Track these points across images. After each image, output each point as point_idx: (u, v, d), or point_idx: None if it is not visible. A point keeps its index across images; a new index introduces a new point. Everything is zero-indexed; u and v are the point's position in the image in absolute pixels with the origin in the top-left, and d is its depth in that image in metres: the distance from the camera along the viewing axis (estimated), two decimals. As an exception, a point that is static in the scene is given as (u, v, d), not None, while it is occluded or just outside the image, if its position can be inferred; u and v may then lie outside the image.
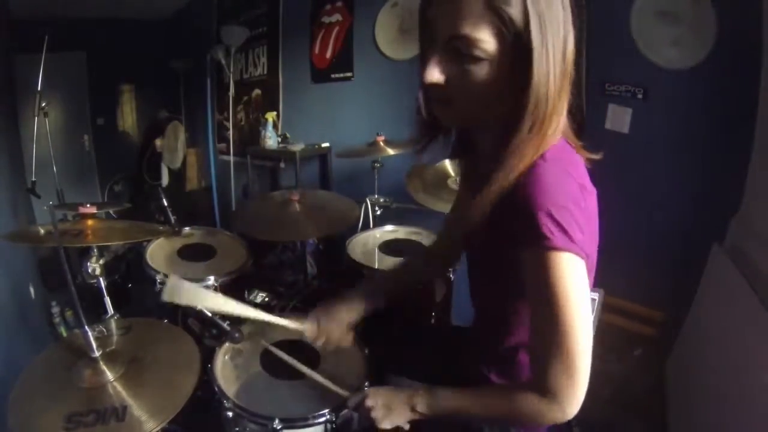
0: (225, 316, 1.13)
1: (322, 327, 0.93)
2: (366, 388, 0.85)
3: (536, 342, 0.64)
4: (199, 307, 0.86)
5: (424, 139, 0.80)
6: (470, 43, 0.59)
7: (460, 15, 0.59)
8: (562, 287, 0.59)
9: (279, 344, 1.18)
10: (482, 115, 0.68)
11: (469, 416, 0.73)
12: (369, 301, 0.99)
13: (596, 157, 0.73)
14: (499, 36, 0.58)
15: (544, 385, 0.61)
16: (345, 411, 0.92)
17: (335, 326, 0.94)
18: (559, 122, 0.65)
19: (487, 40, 0.59)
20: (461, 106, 0.67)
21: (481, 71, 0.61)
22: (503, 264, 0.70)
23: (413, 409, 0.75)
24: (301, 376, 1.05)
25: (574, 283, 0.60)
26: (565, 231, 0.58)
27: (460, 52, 0.61)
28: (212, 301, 0.85)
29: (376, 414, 0.77)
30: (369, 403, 0.78)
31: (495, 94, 0.63)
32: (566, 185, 0.61)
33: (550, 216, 0.58)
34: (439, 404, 0.74)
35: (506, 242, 0.64)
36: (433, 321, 1.51)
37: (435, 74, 0.63)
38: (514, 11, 0.57)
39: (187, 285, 0.83)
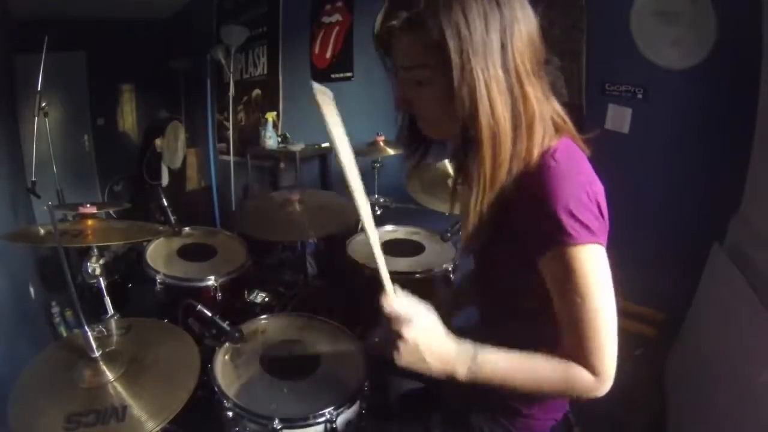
0: (225, 317, 1.13)
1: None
2: (415, 313, 0.65)
3: (571, 328, 0.65)
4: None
5: (416, 151, 0.82)
6: (410, 71, 0.68)
7: (398, 47, 0.68)
8: (592, 278, 0.63)
9: (278, 345, 1.18)
10: (452, 130, 0.69)
11: (506, 384, 0.67)
12: None
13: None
14: (430, 61, 0.63)
15: (591, 365, 0.64)
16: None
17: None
18: (540, 129, 0.67)
19: (420, 66, 0.66)
20: (430, 124, 0.74)
21: (429, 94, 0.67)
22: (515, 267, 0.71)
23: (448, 373, 0.67)
24: (301, 376, 1.05)
25: (601, 272, 0.64)
26: (587, 226, 0.62)
27: (412, 79, 0.68)
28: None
29: (400, 351, 0.65)
30: (408, 334, 0.63)
31: (451, 114, 0.65)
32: (579, 182, 0.64)
33: (572, 215, 0.61)
34: (479, 374, 0.66)
35: (523, 245, 0.67)
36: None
37: (398, 102, 0.73)
38: (434, 35, 0.61)
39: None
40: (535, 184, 0.64)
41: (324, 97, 0.67)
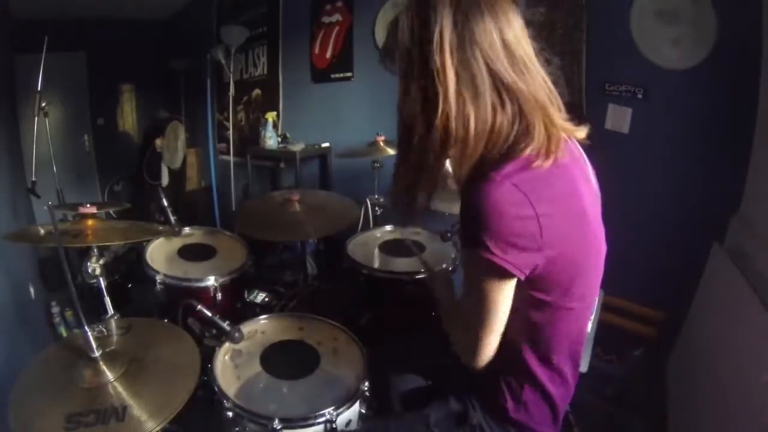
0: (225, 317, 1.13)
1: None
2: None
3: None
4: None
5: None
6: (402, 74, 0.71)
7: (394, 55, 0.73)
8: (476, 282, 0.73)
9: (278, 345, 1.18)
10: None
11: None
12: None
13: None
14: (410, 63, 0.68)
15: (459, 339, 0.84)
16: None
17: None
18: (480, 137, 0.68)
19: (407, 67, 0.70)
20: None
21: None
22: None
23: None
24: (301, 376, 1.05)
25: (486, 282, 0.71)
26: (501, 248, 0.66)
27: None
28: None
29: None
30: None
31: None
32: (509, 206, 0.65)
33: (489, 230, 0.65)
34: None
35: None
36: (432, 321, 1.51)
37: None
38: (405, 42, 0.68)
39: None
40: (473, 188, 0.67)
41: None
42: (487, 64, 0.65)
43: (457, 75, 0.65)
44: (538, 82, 0.68)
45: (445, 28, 0.64)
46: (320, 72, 3.05)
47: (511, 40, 0.66)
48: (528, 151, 0.67)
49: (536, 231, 0.65)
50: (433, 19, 0.64)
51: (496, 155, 0.68)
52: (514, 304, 0.74)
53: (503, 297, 0.72)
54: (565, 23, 1.98)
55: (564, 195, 0.69)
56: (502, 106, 0.67)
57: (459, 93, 0.65)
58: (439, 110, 0.66)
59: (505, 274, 0.68)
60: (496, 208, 0.64)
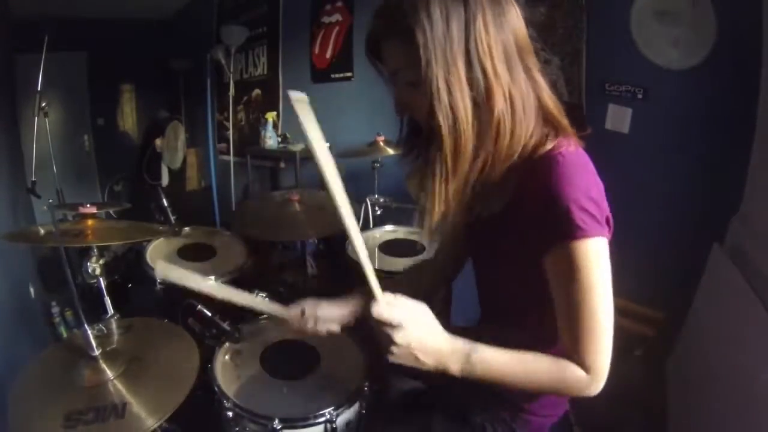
0: (225, 318, 1.13)
1: (306, 315, 0.89)
2: (405, 317, 0.65)
3: (571, 324, 0.66)
4: (189, 285, 0.82)
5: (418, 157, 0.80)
6: (397, 74, 0.70)
7: (384, 53, 0.71)
8: (596, 273, 0.63)
9: (278, 345, 1.18)
10: None
11: (504, 382, 0.68)
12: (363, 301, 0.95)
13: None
14: (410, 61, 0.64)
15: (585, 363, 0.65)
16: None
17: (320, 318, 0.90)
18: (519, 125, 0.66)
19: (404, 67, 0.67)
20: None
21: (422, 95, 0.65)
22: (516, 264, 0.72)
23: (442, 369, 0.68)
24: (301, 376, 1.05)
25: (603, 268, 0.64)
26: (595, 218, 0.62)
27: (403, 82, 0.69)
28: (202, 284, 0.86)
29: (395, 352, 0.66)
30: (399, 340, 0.65)
31: None
32: (587, 175, 0.65)
33: (582, 208, 0.61)
34: (475, 370, 0.67)
35: (527, 241, 0.67)
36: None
37: (397, 107, 0.74)
38: (407, 35, 0.62)
39: (177, 269, 0.84)
40: (542, 179, 0.64)
41: (302, 103, 0.70)
42: (521, 56, 0.66)
43: (505, 71, 0.64)
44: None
45: (487, 18, 0.63)
46: (320, 72, 3.05)
47: (526, 34, 0.68)
48: (558, 141, 0.68)
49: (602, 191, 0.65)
50: (469, 13, 0.62)
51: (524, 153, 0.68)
52: (537, 298, 0.71)
53: (610, 280, 0.65)
54: (565, 23, 1.98)
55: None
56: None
57: (509, 88, 0.64)
58: (496, 108, 0.63)
59: (605, 243, 0.64)
60: (578, 183, 0.63)
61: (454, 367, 0.67)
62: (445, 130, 0.64)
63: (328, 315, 0.90)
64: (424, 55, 0.61)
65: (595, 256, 0.63)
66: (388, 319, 0.65)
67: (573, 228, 0.62)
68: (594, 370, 0.65)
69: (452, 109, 0.63)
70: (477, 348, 0.67)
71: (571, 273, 0.64)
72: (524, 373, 0.68)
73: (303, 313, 0.89)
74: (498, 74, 0.63)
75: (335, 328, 0.91)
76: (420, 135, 0.76)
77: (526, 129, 0.67)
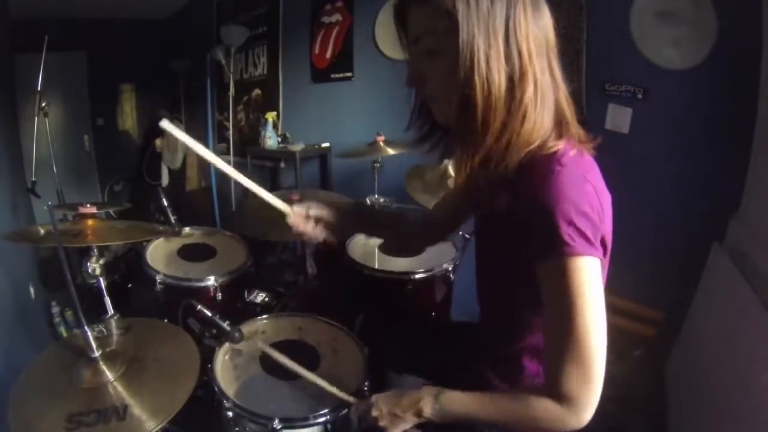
0: (225, 317, 1.13)
1: (310, 215, 0.97)
2: (370, 397, 0.81)
3: (552, 347, 0.64)
4: (191, 147, 0.83)
5: (431, 139, 0.80)
6: (424, 40, 0.67)
7: (411, 18, 0.69)
8: (581, 293, 0.60)
9: (277, 345, 1.18)
10: None
11: (478, 421, 0.70)
12: (355, 217, 1.08)
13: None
14: (439, 27, 0.63)
15: (560, 392, 0.61)
16: (345, 411, 0.92)
17: (319, 221, 0.98)
18: (541, 111, 0.66)
19: (429, 32, 0.66)
20: (440, 104, 0.72)
21: (442, 65, 0.66)
22: (515, 269, 0.71)
23: (419, 414, 0.73)
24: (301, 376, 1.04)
25: (592, 288, 0.61)
26: (584, 236, 0.60)
27: (423, 51, 0.68)
28: (205, 152, 0.86)
29: (384, 423, 0.76)
30: (374, 413, 0.76)
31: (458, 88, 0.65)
32: (583, 190, 0.62)
33: (571, 223, 0.60)
34: (445, 409, 0.71)
35: (522, 249, 0.66)
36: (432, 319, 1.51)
37: (410, 78, 0.72)
38: (445, 3, 0.61)
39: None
40: (538, 186, 0.63)
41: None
42: (548, 54, 0.68)
43: (537, 60, 0.65)
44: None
45: (527, 7, 0.64)
46: (320, 72, 3.05)
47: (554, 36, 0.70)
48: (562, 144, 0.68)
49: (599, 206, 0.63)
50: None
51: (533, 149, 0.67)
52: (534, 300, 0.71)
53: (602, 303, 0.63)
54: (565, 23, 1.98)
55: (602, 183, 0.68)
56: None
57: (539, 78, 0.65)
58: (528, 91, 0.64)
59: (597, 264, 0.63)
60: (571, 197, 0.61)
61: (427, 410, 0.72)
62: (480, 100, 0.63)
63: (319, 213, 0.98)
64: (467, 24, 0.61)
65: (583, 276, 0.60)
66: (363, 409, 0.80)
67: (559, 243, 0.60)
68: (573, 401, 0.60)
69: (488, 80, 0.62)
70: (444, 390, 0.73)
71: (556, 292, 0.62)
72: (495, 413, 0.69)
73: (308, 214, 0.96)
74: (532, 60, 0.64)
75: (331, 237, 0.99)
76: (429, 118, 0.76)
77: (546, 123, 0.67)
